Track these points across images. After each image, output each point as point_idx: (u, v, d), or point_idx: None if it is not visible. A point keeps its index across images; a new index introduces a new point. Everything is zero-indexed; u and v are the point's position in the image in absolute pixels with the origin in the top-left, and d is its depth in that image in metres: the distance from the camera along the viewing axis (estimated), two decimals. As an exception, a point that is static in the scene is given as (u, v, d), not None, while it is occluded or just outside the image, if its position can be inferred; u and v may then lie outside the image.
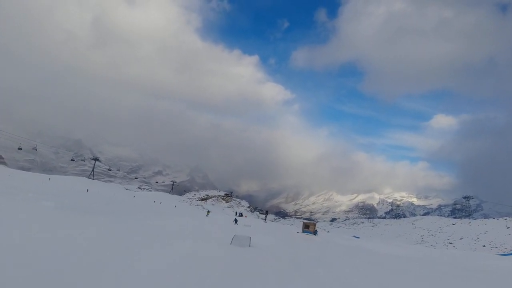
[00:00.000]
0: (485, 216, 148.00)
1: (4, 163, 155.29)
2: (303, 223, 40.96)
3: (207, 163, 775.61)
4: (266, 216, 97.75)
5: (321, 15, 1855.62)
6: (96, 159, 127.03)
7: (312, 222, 41.64)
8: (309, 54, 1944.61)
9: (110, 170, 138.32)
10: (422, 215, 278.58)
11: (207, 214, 56.96)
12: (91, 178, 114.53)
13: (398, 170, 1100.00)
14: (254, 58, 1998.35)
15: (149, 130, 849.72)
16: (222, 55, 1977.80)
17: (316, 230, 38.12)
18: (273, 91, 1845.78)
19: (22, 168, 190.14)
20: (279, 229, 40.34)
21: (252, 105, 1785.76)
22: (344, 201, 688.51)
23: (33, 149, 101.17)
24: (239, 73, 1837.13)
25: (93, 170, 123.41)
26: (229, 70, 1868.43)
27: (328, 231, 34.36)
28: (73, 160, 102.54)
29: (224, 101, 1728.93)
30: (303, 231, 38.54)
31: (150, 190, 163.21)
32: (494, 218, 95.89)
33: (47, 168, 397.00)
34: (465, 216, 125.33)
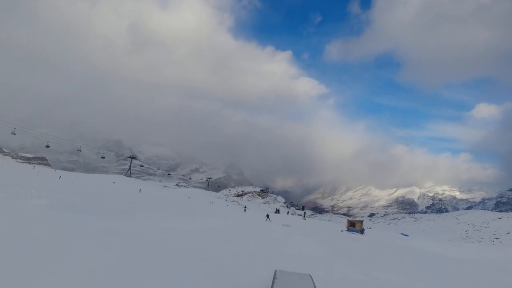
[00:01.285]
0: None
1: (48, 165, 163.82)
2: (348, 220, 37.69)
3: (242, 160, 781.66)
4: (304, 214, 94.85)
5: (354, 6, 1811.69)
6: (132, 157, 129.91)
7: (358, 219, 38.20)
8: (343, 47, 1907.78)
9: (142, 166, 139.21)
10: (465, 209, 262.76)
11: (245, 210, 59.39)
12: (128, 176, 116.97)
13: (440, 163, 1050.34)
14: (287, 54, 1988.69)
15: (186, 129, 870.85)
16: (255, 53, 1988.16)
17: (363, 229, 34.78)
18: (307, 86, 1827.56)
19: (65, 169, 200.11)
20: (320, 227, 37.34)
21: (286, 101, 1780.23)
22: (383, 195, 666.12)
23: (77, 150, 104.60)
24: (273, 70, 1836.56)
25: (129, 168, 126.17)
26: (263, 67, 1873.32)
27: (370, 228, 31.44)
28: (103, 158, 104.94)
29: (258, 99, 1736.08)
30: (348, 230, 35.35)
31: (187, 187, 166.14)
32: None
33: (89, 168, 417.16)
34: (510, 210, 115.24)
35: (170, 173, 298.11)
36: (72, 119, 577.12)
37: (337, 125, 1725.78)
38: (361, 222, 35.77)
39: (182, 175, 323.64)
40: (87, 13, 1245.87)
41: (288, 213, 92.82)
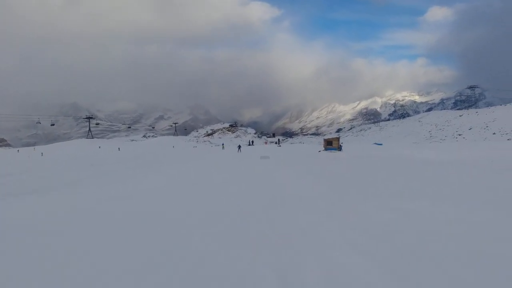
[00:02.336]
0: (489, 105, 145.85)
1: (8, 145, 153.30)
2: (325, 140, 37.05)
3: (206, 99, 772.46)
4: (279, 140, 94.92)
5: None
6: (90, 117, 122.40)
7: (335, 137, 37.72)
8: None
9: (98, 124, 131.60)
10: (426, 111, 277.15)
11: (223, 148, 61.30)
12: (90, 138, 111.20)
13: (398, 70, 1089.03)
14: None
15: (142, 78, 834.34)
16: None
17: (340, 145, 34.37)
18: (259, 11, 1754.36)
19: (27, 145, 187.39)
20: (298, 152, 36.66)
21: (241, 30, 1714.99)
22: (347, 110, 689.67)
23: (37, 123, 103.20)
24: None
25: (89, 130, 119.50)
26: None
27: (341, 143, 31.57)
28: (53, 125, 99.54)
29: (212, 32, 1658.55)
30: (326, 149, 34.84)
31: (155, 136, 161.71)
32: (501, 105, 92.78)
33: (51, 139, 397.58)
34: (469, 107, 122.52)
35: (130, 126, 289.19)
36: (21, 90, 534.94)
37: (295, 47, 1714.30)
38: (338, 139, 35.29)
39: (148, 125, 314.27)
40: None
41: (265, 143, 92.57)
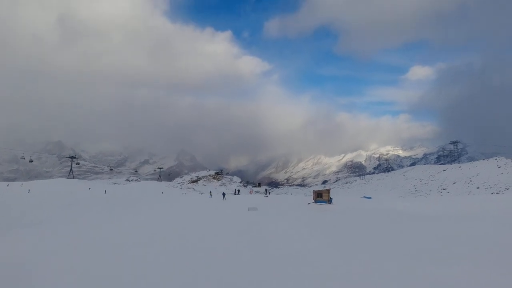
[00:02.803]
0: (471, 159, 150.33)
1: None
2: (314, 192, 35.74)
3: (193, 146, 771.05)
4: (266, 190, 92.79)
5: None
6: (72, 157, 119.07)
7: (325, 189, 36.59)
8: (281, 23, 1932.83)
9: (78, 164, 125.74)
10: (409, 165, 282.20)
11: (210, 195, 60.66)
12: (71, 178, 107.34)
13: (382, 125, 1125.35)
14: (227, 34, 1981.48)
15: (130, 120, 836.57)
16: (194, 35, 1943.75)
17: (331, 198, 33.26)
18: (250, 65, 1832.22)
19: (7, 180, 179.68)
20: (286, 204, 35.38)
21: (232, 81, 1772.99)
22: (333, 162, 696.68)
23: (21, 158, 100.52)
24: (214, 51, 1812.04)
25: (71, 169, 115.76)
26: (204, 48, 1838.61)
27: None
28: (32, 161, 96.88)
29: (203, 81, 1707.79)
30: (316, 201, 33.61)
31: (138, 181, 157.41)
32: (483, 159, 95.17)
33: (32, 175, 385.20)
34: (452, 162, 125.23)
35: (112, 168, 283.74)
36: (8, 121, 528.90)
37: (283, 99, 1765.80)
38: (328, 191, 34.13)
39: (132, 169, 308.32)
40: (11, 10, 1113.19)
41: (250, 192, 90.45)
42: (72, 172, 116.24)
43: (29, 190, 59.28)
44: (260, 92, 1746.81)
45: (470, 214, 19.96)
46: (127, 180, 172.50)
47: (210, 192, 66.89)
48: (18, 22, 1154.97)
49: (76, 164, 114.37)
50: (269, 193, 75.95)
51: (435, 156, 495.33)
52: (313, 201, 34.24)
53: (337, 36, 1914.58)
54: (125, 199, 40.48)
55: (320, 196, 33.67)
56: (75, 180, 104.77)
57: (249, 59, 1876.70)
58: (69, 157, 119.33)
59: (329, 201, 32.65)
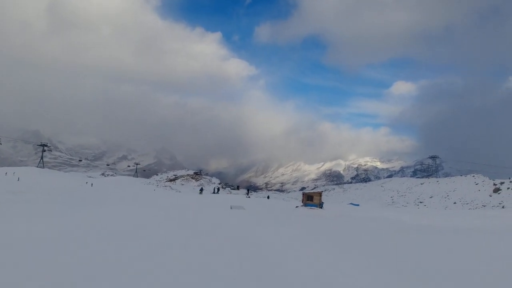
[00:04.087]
0: (447, 175, 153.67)
1: None
2: (304, 194, 33.39)
3: (174, 144, 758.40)
4: (248, 191, 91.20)
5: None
6: (44, 145, 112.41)
7: (316, 192, 34.39)
8: (272, 29, 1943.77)
9: (50, 150, 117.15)
10: (386, 177, 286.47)
11: (201, 192, 59.71)
12: (41, 167, 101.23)
13: (362, 137, 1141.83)
14: (217, 35, 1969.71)
15: (111, 115, 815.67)
16: (184, 33, 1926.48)
17: (322, 202, 31.15)
18: (237, 67, 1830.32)
19: None
20: (271, 206, 33.11)
21: (218, 82, 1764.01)
22: (312, 170, 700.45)
23: None
24: (203, 51, 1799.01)
25: (42, 158, 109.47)
26: (192, 48, 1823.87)
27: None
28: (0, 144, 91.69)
29: (189, 80, 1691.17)
30: (306, 205, 31.38)
31: (114, 175, 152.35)
32: (460, 175, 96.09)
33: (6, 164, 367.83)
34: (428, 176, 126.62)
35: (81, 159, 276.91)
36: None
37: (267, 105, 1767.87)
38: (320, 194, 31.81)
39: (107, 164, 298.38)
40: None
41: (218, 190, 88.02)
42: (42, 160, 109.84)
43: None
44: (245, 96, 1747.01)
45: (461, 226, 18.33)
46: (103, 174, 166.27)
47: (201, 189, 64.75)
48: (6, 7, 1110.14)
49: (46, 150, 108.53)
50: (251, 193, 74.83)
51: (412, 169, 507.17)
52: (301, 204, 31.98)
53: (325, 47, 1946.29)
54: (83, 194, 37.14)
55: (311, 199, 31.25)
56: (46, 169, 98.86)
57: (237, 62, 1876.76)
58: (40, 145, 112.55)
59: (320, 205, 30.40)
